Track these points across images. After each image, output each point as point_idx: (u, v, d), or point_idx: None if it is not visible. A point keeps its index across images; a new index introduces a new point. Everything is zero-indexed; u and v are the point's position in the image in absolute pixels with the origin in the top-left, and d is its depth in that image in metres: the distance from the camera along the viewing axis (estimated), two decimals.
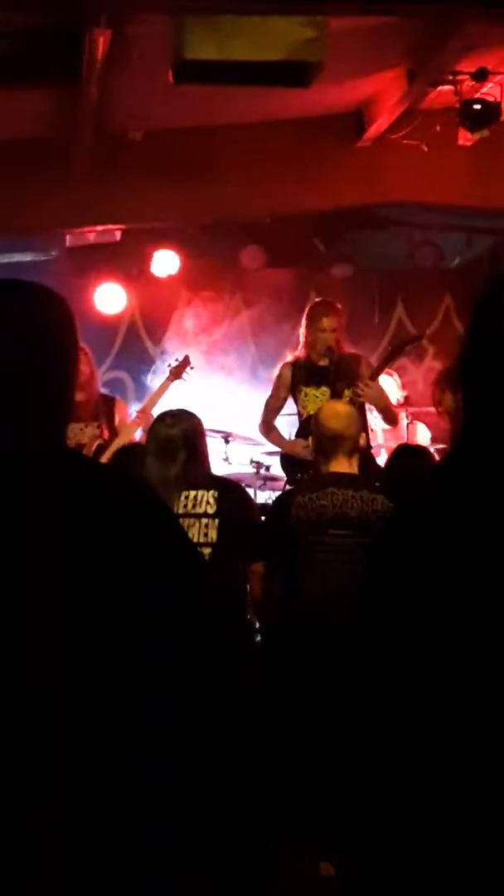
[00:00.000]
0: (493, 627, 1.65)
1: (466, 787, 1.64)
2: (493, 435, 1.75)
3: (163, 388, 7.47)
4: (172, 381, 7.52)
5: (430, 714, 1.68)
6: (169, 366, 7.68)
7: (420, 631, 1.70)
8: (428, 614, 1.70)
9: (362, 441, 5.40)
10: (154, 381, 9.35)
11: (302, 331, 7.24)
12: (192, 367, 7.62)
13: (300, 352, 7.19)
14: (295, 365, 7.16)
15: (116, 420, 7.31)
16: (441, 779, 1.66)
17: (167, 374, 7.57)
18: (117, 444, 6.96)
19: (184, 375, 7.54)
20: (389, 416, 7.41)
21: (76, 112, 6.99)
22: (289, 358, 7.33)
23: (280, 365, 7.36)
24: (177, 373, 7.56)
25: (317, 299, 7.72)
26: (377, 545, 1.99)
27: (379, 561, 1.89)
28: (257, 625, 5.45)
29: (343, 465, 5.07)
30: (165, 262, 9.55)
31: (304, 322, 7.24)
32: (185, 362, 7.61)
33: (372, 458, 6.77)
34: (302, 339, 7.21)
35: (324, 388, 6.85)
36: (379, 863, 1.75)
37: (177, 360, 7.72)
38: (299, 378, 7.10)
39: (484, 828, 1.63)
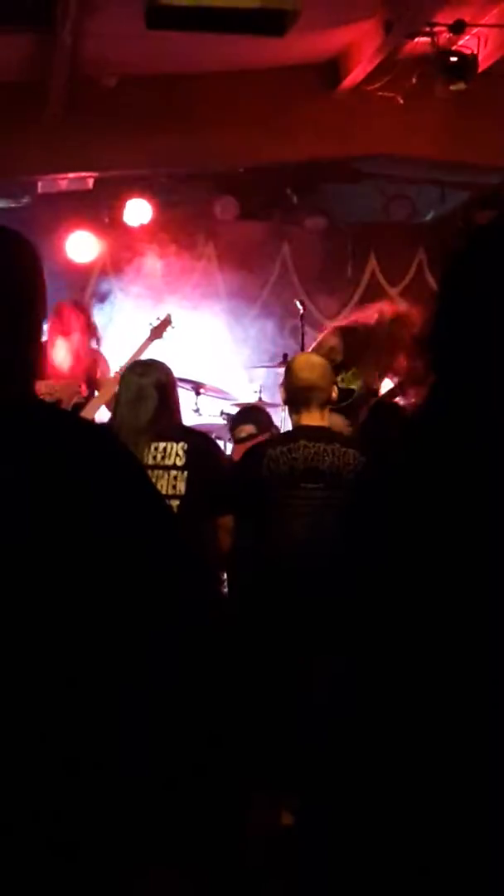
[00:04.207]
0: (466, 578, 1.66)
1: (445, 748, 1.65)
2: (465, 392, 1.75)
3: (143, 348, 7.46)
4: (153, 340, 7.52)
5: (408, 672, 1.69)
6: (150, 325, 7.66)
7: (400, 586, 1.71)
8: (408, 569, 1.71)
9: (334, 394, 5.37)
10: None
11: None
12: (172, 327, 7.61)
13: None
14: None
15: (98, 374, 7.30)
16: (419, 737, 1.67)
17: (148, 333, 7.57)
18: (96, 401, 6.96)
19: (164, 335, 7.54)
20: None
21: (49, 58, 6.92)
22: None
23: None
24: (157, 332, 7.55)
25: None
26: (353, 499, 1.99)
27: (356, 514, 1.89)
28: (224, 577, 5.46)
29: (315, 418, 5.04)
30: (138, 211, 9.48)
31: None
32: (167, 322, 7.59)
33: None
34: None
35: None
36: (344, 814, 1.76)
37: (158, 318, 7.69)
38: None
39: (461, 790, 1.65)
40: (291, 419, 5.18)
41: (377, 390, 7.01)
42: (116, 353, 7.48)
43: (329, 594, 1.86)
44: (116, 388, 7.05)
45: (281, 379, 6.42)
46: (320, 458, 4.89)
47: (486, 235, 1.86)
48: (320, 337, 7.45)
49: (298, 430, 5.05)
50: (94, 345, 7.67)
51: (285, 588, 4.65)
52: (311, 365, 5.16)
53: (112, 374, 7.31)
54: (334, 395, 5.29)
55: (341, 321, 7.73)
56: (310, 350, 7.37)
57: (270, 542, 4.94)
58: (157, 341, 7.46)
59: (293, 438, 5.01)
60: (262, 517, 4.97)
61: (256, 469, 4.97)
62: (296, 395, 5.10)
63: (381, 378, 7.33)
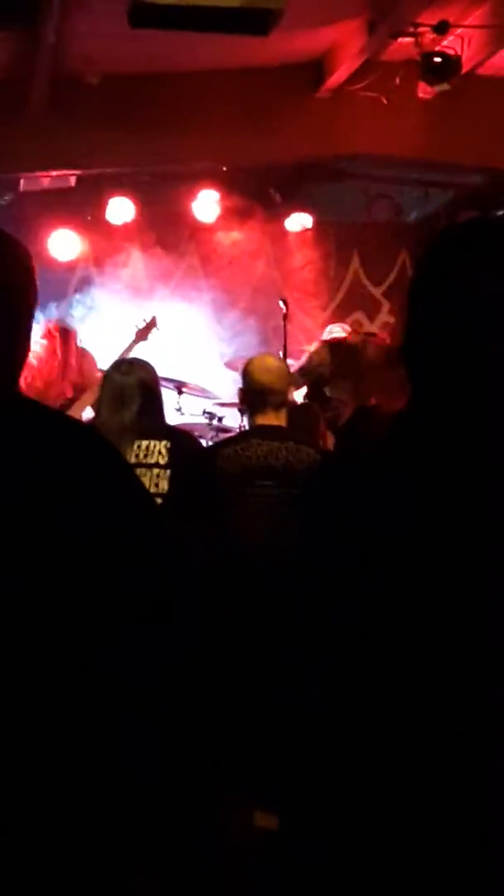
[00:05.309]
0: (438, 572, 1.66)
1: (421, 742, 1.65)
2: (438, 399, 1.75)
3: (128, 350, 7.45)
4: (138, 342, 7.51)
5: (381, 667, 1.69)
6: (136, 326, 7.63)
7: (367, 581, 1.71)
8: (377, 564, 1.71)
9: (290, 396, 5.45)
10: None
11: None
12: (157, 329, 7.60)
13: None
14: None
15: (85, 372, 7.28)
16: (395, 733, 1.67)
17: (133, 335, 7.56)
18: (81, 402, 6.96)
19: (149, 337, 7.53)
20: None
21: (32, 56, 6.90)
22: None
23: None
24: (143, 334, 7.54)
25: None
26: (310, 496, 1.99)
27: (320, 509, 1.89)
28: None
29: (270, 418, 5.11)
30: (120, 210, 9.46)
31: None
32: (152, 324, 7.57)
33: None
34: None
35: None
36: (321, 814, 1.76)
37: (144, 320, 7.67)
38: None
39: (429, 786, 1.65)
40: (248, 421, 5.24)
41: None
42: (99, 352, 7.47)
43: (291, 590, 1.86)
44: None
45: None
46: (274, 456, 4.93)
47: (449, 238, 1.86)
48: (312, 350, 7.51)
49: (252, 430, 5.11)
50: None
51: (243, 584, 4.67)
52: (268, 367, 5.22)
53: (98, 375, 7.31)
54: (290, 396, 5.36)
55: (329, 338, 7.80)
56: (302, 362, 7.41)
57: (226, 539, 4.96)
58: (141, 343, 7.47)
59: (246, 438, 5.07)
60: (216, 516, 5.00)
61: (209, 469, 5.00)
62: (252, 398, 5.17)
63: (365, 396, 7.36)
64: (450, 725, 1.63)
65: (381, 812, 1.67)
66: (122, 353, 7.36)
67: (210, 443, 7.69)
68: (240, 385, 5.38)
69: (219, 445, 5.25)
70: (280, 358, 5.61)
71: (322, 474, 2.06)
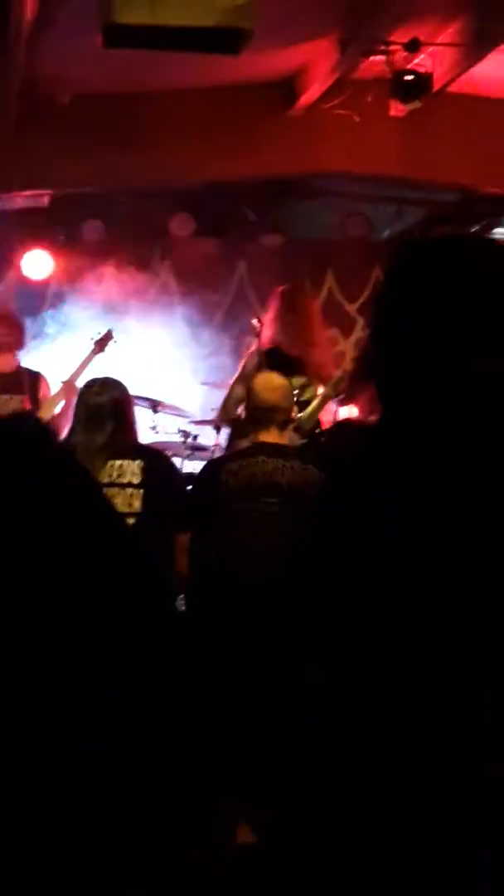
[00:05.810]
0: (434, 584, 1.66)
1: (421, 757, 1.65)
2: (408, 413, 1.76)
3: (86, 362, 7.48)
4: (96, 353, 7.56)
5: (382, 680, 1.68)
6: (92, 339, 7.68)
7: (366, 595, 1.71)
8: (375, 577, 1.70)
9: (294, 414, 5.47)
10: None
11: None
12: (115, 341, 7.65)
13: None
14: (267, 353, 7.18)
15: (40, 395, 7.32)
16: (395, 746, 1.66)
17: (91, 347, 7.59)
18: (40, 416, 6.97)
19: (106, 348, 7.57)
20: None
21: (3, 74, 6.89)
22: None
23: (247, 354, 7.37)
24: (100, 346, 7.59)
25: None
26: (313, 510, 1.99)
27: (317, 525, 1.89)
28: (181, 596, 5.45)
29: (274, 436, 5.13)
30: (93, 229, 9.46)
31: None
32: (108, 336, 7.65)
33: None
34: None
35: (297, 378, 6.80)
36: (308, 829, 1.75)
37: (100, 333, 7.72)
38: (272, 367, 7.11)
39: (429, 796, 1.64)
40: (250, 436, 5.24)
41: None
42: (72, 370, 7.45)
43: (294, 605, 1.86)
44: (59, 404, 7.09)
45: None
46: (279, 473, 4.95)
47: (412, 255, 1.87)
48: (243, 361, 7.41)
49: (257, 447, 5.11)
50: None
51: (243, 601, 4.66)
52: (273, 386, 5.25)
53: (54, 391, 7.34)
54: (294, 415, 5.40)
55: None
56: (238, 371, 7.34)
57: (231, 555, 4.96)
58: (99, 355, 7.52)
59: (251, 454, 5.08)
60: (220, 531, 5.00)
61: (213, 484, 5.01)
62: (258, 415, 5.20)
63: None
64: (447, 737, 1.63)
65: (376, 823, 1.66)
66: (81, 365, 7.41)
67: (185, 461, 7.69)
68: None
69: (223, 460, 5.27)
70: (283, 376, 5.54)
71: (324, 491, 2.07)
